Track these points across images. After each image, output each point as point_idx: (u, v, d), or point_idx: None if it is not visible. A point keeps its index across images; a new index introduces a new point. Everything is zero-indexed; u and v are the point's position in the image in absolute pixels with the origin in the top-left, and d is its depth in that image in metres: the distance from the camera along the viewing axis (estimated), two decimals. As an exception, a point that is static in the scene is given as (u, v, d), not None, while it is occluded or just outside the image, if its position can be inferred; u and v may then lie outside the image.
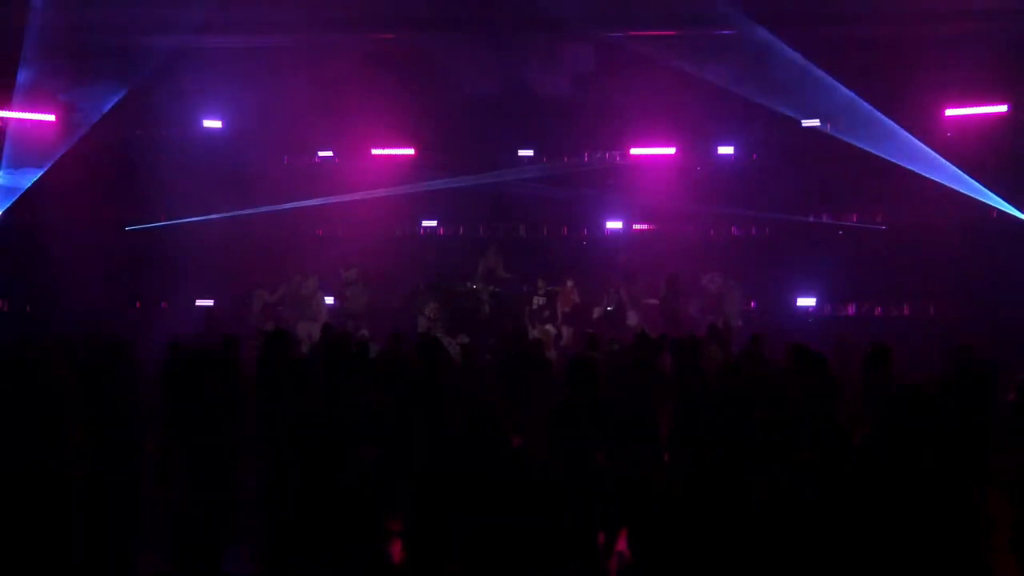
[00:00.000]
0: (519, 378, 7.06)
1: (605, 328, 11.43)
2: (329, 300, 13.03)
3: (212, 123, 14.16)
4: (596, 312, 12.38)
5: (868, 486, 3.50)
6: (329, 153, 14.88)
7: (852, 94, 11.90)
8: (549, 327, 12.05)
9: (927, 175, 12.08)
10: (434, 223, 15.06)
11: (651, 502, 3.87)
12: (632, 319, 12.07)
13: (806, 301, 13.56)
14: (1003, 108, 12.46)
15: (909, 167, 12.08)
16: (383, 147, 14.42)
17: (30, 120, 13.14)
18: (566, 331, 12.20)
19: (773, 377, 6.23)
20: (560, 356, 10.31)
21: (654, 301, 12.40)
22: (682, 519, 3.53)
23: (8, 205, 13.15)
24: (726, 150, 14.15)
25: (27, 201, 13.12)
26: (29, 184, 13.05)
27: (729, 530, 3.42)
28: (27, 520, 3.38)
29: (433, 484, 3.76)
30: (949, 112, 12.66)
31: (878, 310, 13.52)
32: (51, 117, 13.26)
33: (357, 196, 13.95)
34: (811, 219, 13.84)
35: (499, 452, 3.76)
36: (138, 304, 13.92)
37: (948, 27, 11.38)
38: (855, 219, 13.89)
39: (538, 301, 12.47)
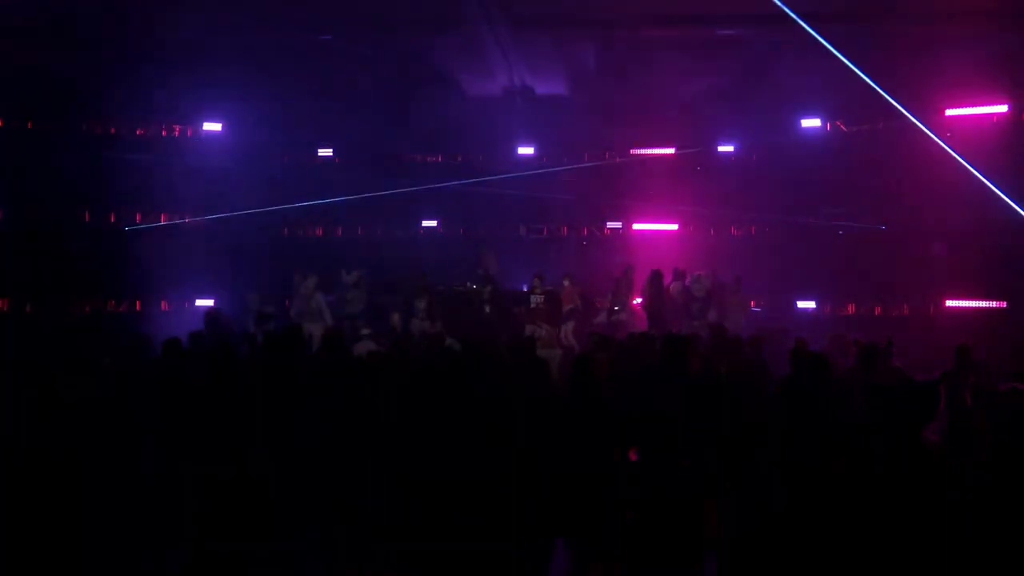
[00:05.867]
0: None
1: (606, 328, 11.40)
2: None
3: (212, 126, 14.19)
4: (603, 311, 12.42)
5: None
6: (329, 152, 14.87)
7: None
8: (546, 326, 12.03)
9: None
10: (434, 223, 15.07)
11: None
12: (627, 317, 12.15)
13: (806, 303, 13.58)
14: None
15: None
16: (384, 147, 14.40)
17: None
18: (566, 330, 12.21)
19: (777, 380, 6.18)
20: (565, 355, 10.26)
21: (639, 300, 12.46)
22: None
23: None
24: (726, 149, 14.21)
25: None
26: None
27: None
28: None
29: None
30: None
31: (878, 310, 13.52)
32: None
33: (356, 196, 13.96)
34: (811, 219, 13.85)
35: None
36: (138, 304, 13.89)
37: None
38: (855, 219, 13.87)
39: (536, 300, 12.47)
